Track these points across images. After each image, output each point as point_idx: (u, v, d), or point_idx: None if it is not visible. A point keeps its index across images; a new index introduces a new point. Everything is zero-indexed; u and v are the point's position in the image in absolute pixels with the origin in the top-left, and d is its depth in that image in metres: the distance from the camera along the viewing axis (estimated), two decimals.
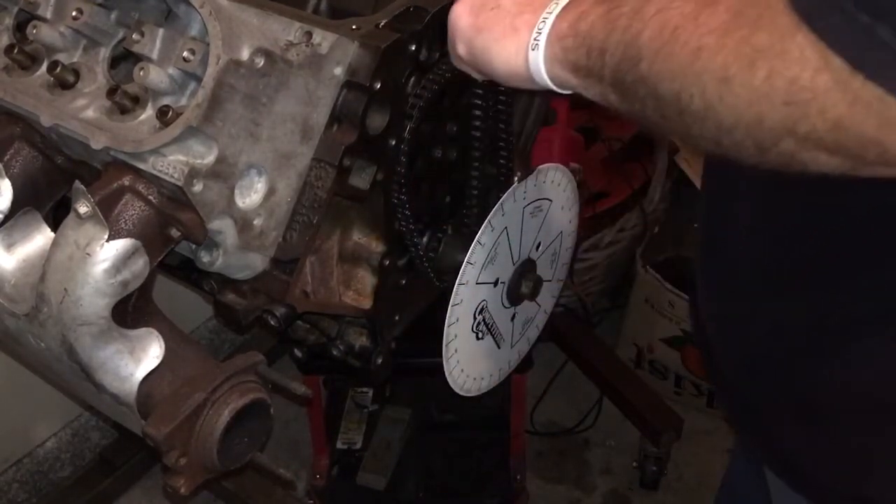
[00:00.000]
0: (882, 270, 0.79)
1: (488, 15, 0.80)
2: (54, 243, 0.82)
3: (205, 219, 0.83)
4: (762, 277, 0.90)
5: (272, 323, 0.90)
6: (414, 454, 2.07)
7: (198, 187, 0.81)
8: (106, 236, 0.80)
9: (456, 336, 1.02)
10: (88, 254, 0.80)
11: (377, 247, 0.97)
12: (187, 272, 0.94)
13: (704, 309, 1.03)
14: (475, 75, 0.88)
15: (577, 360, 2.33)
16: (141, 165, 0.81)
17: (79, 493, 2.09)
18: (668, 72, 0.64)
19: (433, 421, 2.13)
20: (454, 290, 0.98)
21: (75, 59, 0.90)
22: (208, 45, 0.80)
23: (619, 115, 0.73)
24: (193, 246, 0.87)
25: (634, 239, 2.41)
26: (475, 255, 0.98)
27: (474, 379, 1.09)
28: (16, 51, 0.89)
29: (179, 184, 0.79)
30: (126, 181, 0.82)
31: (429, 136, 0.95)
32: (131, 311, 0.85)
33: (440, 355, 1.02)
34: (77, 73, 0.88)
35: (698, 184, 1.10)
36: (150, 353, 0.85)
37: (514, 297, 1.08)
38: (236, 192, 0.84)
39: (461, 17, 0.83)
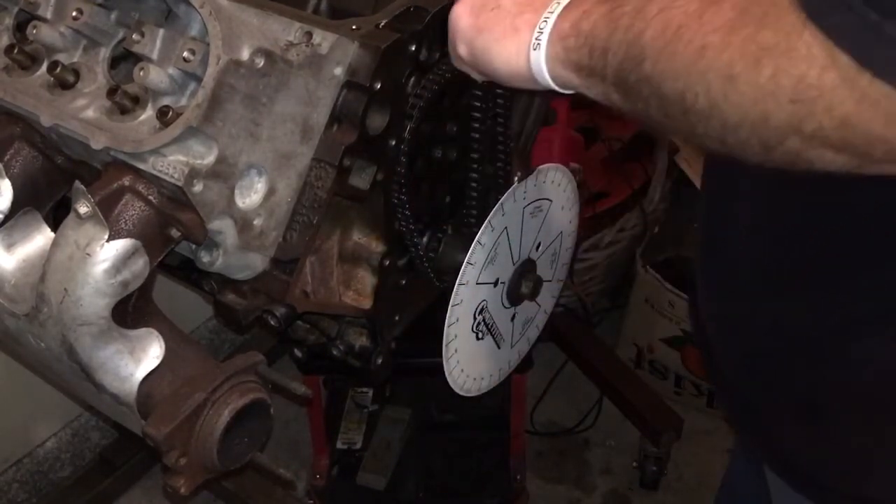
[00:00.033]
0: (882, 270, 0.79)
1: (489, 15, 0.80)
2: (54, 243, 0.82)
3: (205, 219, 0.83)
4: (762, 277, 0.90)
5: (272, 323, 0.90)
6: (414, 454, 2.07)
7: (198, 187, 0.81)
8: (106, 236, 0.80)
9: (456, 336, 1.02)
10: (88, 254, 0.80)
11: (377, 247, 0.97)
12: (187, 272, 0.94)
13: (704, 309, 1.03)
14: (476, 76, 0.88)
15: (577, 360, 2.33)
16: (141, 165, 0.81)
17: (79, 493, 2.08)
18: (672, 71, 0.63)
19: (433, 421, 2.13)
20: (454, 290, 0.98)
21: (75, 59, 0.89)
22: (208, 45, 0.80)
23: (621, 115, 0.73)
24: (193, 246, 0.87)
25: (634, 239, 2.41)
26: (475, 255, 0.98)
27: (474, 379, 1.09)
28: (16, 51, 0.89)
29: (179, 184, 0.79)
30: (126, 181, 0.82)
31: (429, 136, 0.95)
32: (131, 311, 0.85)
33: (440, 355, 1.02)
34: (77, 73, 0.88)
35: (698, 184, 1.10)
36: (150, 353, 0.85)
37: (514, 297, 1.08)
38: (236, 192, 0.84)
39: (461, 18, 0.82)
